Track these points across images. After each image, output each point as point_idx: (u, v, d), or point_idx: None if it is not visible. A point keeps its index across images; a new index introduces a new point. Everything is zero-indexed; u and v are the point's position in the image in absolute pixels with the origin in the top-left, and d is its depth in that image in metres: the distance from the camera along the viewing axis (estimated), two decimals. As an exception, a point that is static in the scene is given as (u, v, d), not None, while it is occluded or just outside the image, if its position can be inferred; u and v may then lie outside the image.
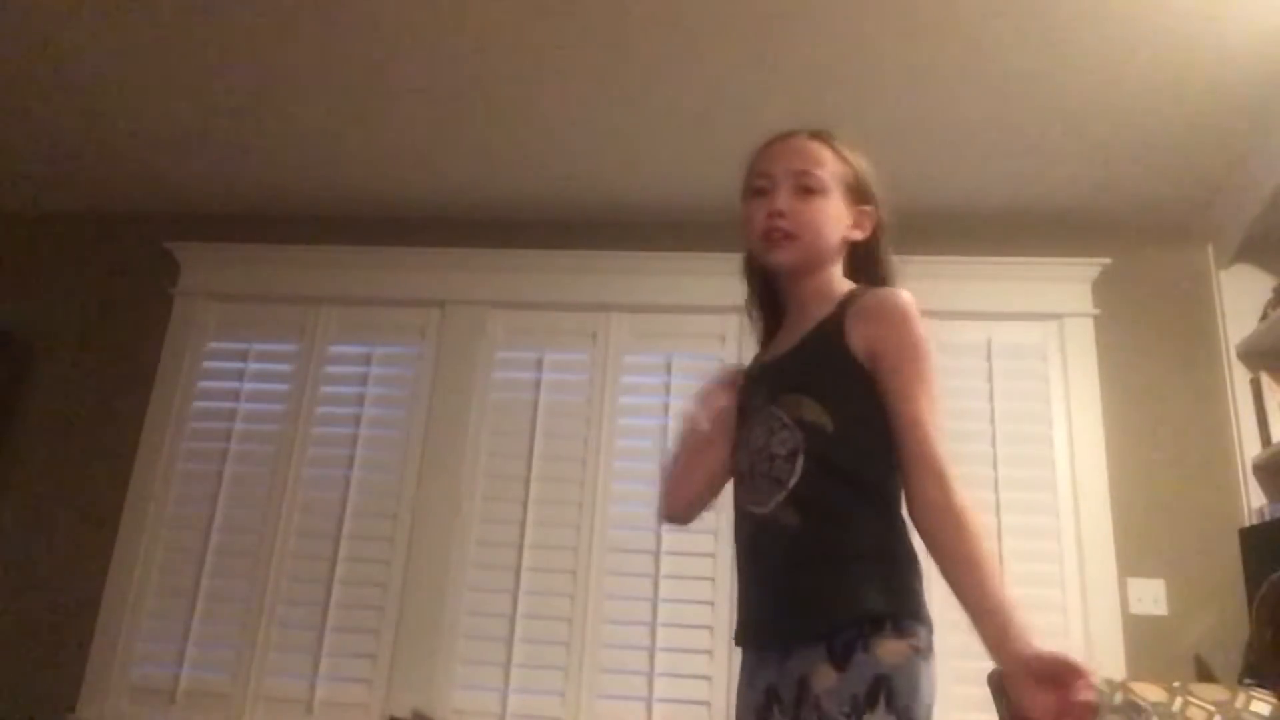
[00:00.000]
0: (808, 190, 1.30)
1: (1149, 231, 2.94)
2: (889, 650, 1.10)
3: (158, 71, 2.57)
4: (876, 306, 1.23)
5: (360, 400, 3.06)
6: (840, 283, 1.33)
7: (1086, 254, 2.90)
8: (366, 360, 3.12)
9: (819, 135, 1.37)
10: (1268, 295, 2.70)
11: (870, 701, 1.07)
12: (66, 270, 3.33)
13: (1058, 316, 2.88)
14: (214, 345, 3.18)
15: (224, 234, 3.28)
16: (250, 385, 3.13)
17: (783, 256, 1.31)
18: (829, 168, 1.32)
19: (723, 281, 2.93)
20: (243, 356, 3.16)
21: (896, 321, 1.21)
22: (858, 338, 1.21)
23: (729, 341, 2.93)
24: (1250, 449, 2.66)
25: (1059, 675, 0.95)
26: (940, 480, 1.12)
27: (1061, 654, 0.96)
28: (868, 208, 1.35)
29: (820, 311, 1.28)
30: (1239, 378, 2.73)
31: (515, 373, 3.05)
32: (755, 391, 1.31)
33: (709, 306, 2.98)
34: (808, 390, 1.22)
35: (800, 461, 1.19)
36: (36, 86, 2.66)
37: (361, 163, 2.98)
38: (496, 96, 2.59)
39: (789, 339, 1.32)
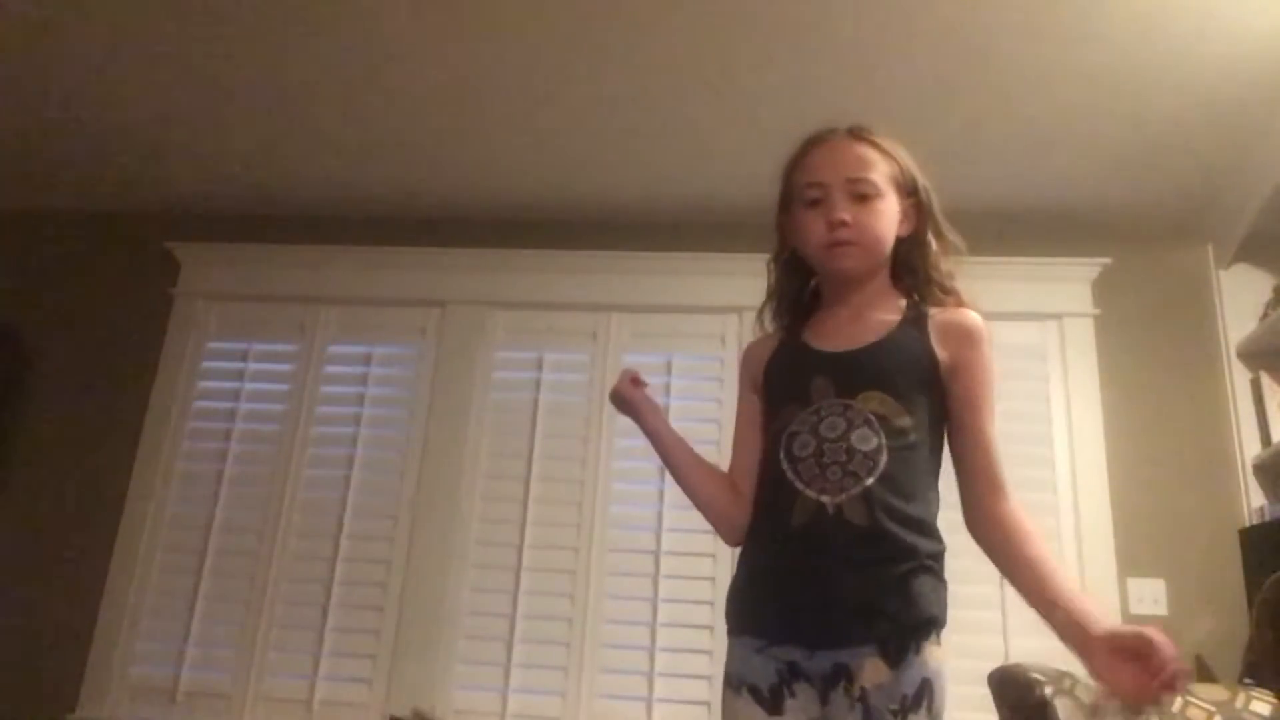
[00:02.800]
0: (864, 196, 1.31)
1: (1149, 231, 2.94)
2: (934, 655, 1.18)
3: (158, 71, 2.56)
4: (972, 328, 1.31)
5: (360, 400, 3.06)
6: (889, 282, 1.37)
7: (1086, 254, 2.90)
8: (366, 360, 3.12)
9: (860, 134, 1.36)
10: (1268, 295, 2.70)
11: (915, 703, 1.14)
12: (66, 270, 3.32)
13: (1058, 316, 2.88)
14: (214, 345, 3.18)
15: (224, 234, 3.28)
16: (250, 385, 3.13)
17: (848, 265, 1.33)
18: (879, 169, 1.32)
19: (723, 281, 2.98)
20: (243, 356, 3.16)
21: (984, 347, 1.30)
22: (945, 350, 1.28)
23: (729, 341, 2.94)
24: (1250, 449, 2.66)
25: (1138, 649, 1.00)
26: (1010, 495, 1.24)
27: (1137, 629, 1.02)
28: (912, 200, 1.36)
29: (884, 313, 1.33)
30: (1239, 378, 2.73)
31: (515, 373, 3.05)
32: (807, 377, 1.30)
33: (709, 306, 2.98)
34: (891, 390, 1.25)
35: (883, 461, 1.21)
36: (36, 86, 2.66)
37: (362, 163, 2.98)
38: (497, 97, 2.59)
39: (847, 335, 1.32)
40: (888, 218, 1.32)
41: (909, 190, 1.35)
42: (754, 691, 1.21)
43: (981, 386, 1.28)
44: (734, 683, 1.24)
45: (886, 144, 1.36)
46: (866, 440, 1.22)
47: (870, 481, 1.20)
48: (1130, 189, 2.82)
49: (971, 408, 1.27)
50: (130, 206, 3.34)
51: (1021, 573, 1.19)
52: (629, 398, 1.42)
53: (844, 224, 1.29)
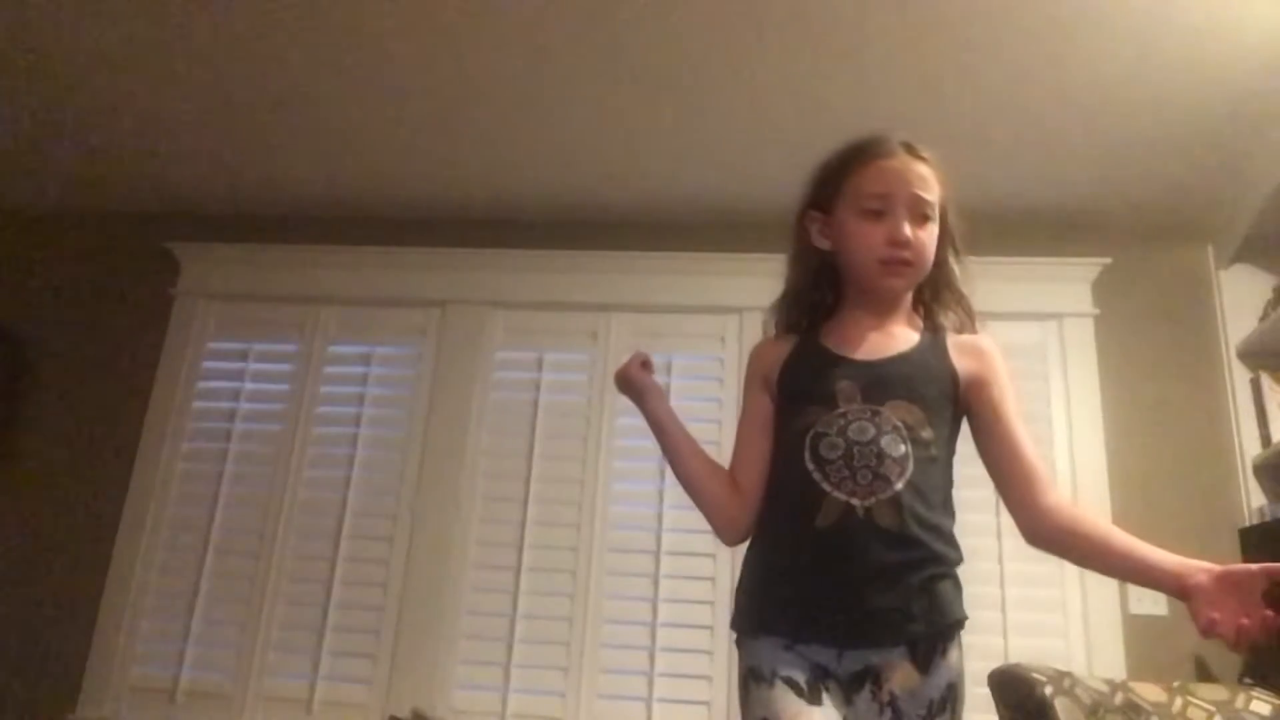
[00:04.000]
0: (925, 218, 1.32)
1: (1149, 231, 2.94)
2: (958, 658, 1.21)
3: (156, 71, 2.56)
4: (989, 347, 1.36)
5: (360, 400, 3.06)
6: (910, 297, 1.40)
7: (1086, 254, 2.90)
8: (366, 360, 3.13)
9: (917, 151, 1.35)
10: (1268, 295, 2.70)
11: (942, 706, 1.18)
12: (66, 270, 3.33)
13: (1058, 316, 2.88)
14: (214, 345, 3.18)
15: (224, 234, 3.28)
16: (250, 385, 3.13)
17: (900, 284, 1.35)
18: (935, 192, 1.33)
19: (723, 281, 2.99)
20: (243, 356, 3.16)
21: (1002, 363, 1.35)
22: (965, 367, 1.32)
23: (729, 341, 2.93)
24: (1250, 449, 2.66)
25: (1241, 583, 1.08)
26: (1055, 487, 1.28)
27: (1237, 566, 1.08)
28: (943, 223, 1.37)
29: (906, 326, 1.36)
30: (1239, 378, 2.73)
31: (515, 373, 3.05)
32: (831, 380, 1.30)
33: (709, 306, 2.98)
34: (919, 402, 1.27)
35: (910, 467, 1.23)
36: (36, 87, 2.66)
37: (362, 163, 2.98)
38: (497, 97, 2.59)
39: (873, 344, 1.33)
40: (935, 241, 1.34)
41: (944, 214, 1.36)
42: (790, 683, 1.20)
43: (1008, 393, 1.32)
44: (765, 675, 1.22)
45: (939, 167, 1.36)
46: (895, 446, 1.23)
47: (900, 486, 1.22)
48: (1130, 189, 2.82)
49: (1004, 411, 1.31)
50: (130, 206, 3.34)
51: (1108, 544, 1.21)
52: (636, 381, 1.40)
53: (908, 243, 1.29)
